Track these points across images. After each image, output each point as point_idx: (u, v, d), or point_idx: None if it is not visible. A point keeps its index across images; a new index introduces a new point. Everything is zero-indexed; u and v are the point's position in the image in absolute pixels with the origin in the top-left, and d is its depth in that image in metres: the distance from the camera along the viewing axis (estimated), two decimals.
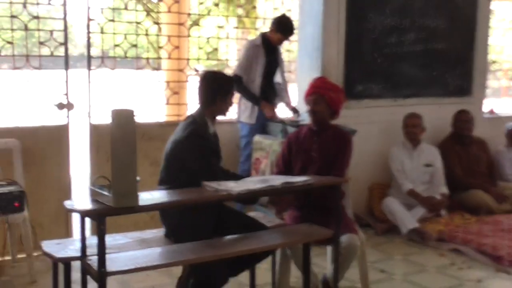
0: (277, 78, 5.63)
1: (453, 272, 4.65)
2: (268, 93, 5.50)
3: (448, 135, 6.42)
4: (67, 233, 5.05)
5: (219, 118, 3.65)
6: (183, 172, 3.35)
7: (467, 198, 6.05)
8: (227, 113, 3.68)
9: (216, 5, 5.80)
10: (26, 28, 4.79)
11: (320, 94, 3.92)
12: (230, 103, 3.61)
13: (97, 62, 5.09)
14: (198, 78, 3.66)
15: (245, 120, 5.44)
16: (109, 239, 3.20)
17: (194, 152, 3.33)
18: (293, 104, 5.69)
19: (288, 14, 5.90)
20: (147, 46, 5.40)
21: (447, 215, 5.80)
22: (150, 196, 2.97)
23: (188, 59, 5.62)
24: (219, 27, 5.74)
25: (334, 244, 3.46)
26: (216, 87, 3.51)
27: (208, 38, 5.78)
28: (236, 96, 5.57)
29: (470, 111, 6.42)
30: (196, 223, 3.31)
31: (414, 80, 6.37)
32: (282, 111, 5.61)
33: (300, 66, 5.93)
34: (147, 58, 5.42)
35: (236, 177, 3.56)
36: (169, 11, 5.54)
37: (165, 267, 3.00)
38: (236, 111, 5.55)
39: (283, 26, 5.36)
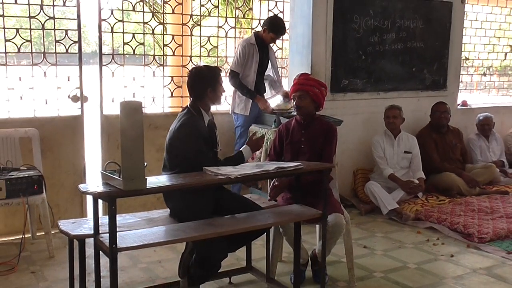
0: (268, 72, 5.61)
1: (428, 248, 4.67)
2: (260, 87, 5.48)
3: (427, 124, 6.42)
4: (82, 213, 5.06)
5: (220, 108, 3.61)
6: (179, 158, 3.34)
7: (441, 180, 6.07)
8: (222, 101, 3.65)
9: (216, 7, 5.77)
10: (43, 28, 4.76)
11: (305, 91, 3.88)
12: (221, 92, 3.55)
13: (108, 58, 5.07)
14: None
15: (240, 112, 5.42)
16: (120, 218, 3.21)
17: (184, 140, 3.31)
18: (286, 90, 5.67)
19: (280, 15, 5.88)
20: (153, 44, 5.37)
21: (424, 197, 5.82)
22: (157, 180, 2.97)
23: (190, 56, 5.59)
24: (219, 27, 5.71)
25: (322, 223, 3.46)
26: (204, 81, 3.45)
27: (208, 37, 5.75)
28: (230, 89, 5.59)
29: (447, 103, 6.42)
30: (197, 204, 3.31)
31: (395, 76, 6.36)
32: (273, 102, 5.60)
33: (292, 62, 5.92)
34: (153, 55, 5.39)
35: (230, 159, 3.56)
36: (173, 12, 5.51)
37: (170, 243, 3.01)
38: (231, 103, 5.54)
39: (275, 27, 5.34)
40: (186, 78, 3.55)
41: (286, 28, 5.51)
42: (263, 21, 5.51)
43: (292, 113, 5.12)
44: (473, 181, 6.09)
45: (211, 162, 3.29)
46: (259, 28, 5.89)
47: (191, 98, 3.52)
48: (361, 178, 6.03)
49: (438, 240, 4.85)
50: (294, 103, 3.95)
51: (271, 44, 5.56)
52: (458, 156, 6.44)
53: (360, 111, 6.11)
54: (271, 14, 5.88)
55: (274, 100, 5.62)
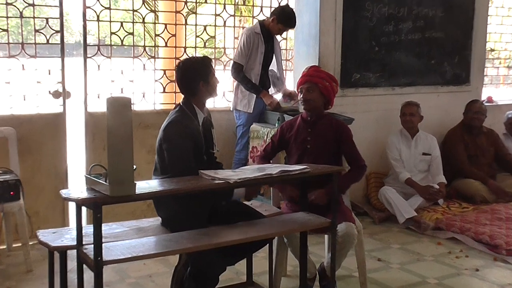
0: (271, 67, 5.61)
1: (450, 261, 4.66)
2: (264, 81, 5.48)
3: (459, 123, 6.42)
4: (63, 222, 5.05)
5: (218, 105, 3.60)
6: (167, 161, 3.33)
7: (464, 187, 6.06)
8: (216, 94, 3.63)
9: None
10: (21, 16, 4.76)
11: (313, 82, 3.89)
12: (215, 83, 3.52)
13: (93, 50, 5.06)
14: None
15: (243, 108, 5.42)
16: (106, 228, 3.20)
17: (171, 141, 3.31)
18: (289, 89, 5.67)
19: (284, 2, 5.87)
20: (143, 34, 5.37)
21: (445, 204, 5.81)
22: (147, 185, 2.96)
23: (185, 47, 5.59)
24: (216, 15, 5.71)
25: (331, 233, 3.45)
26: (194, 75, 3.44)
27: (205, 26, 5.75)
28: (230, 84, 5.58)
29: (483, 103, 6.38)
30: (192, 212, 3.30)
31: (412, 69, 6.36)
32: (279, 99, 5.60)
33: (297, 54, 5.91)
34: (144, 46, 5.40)
35: (218, 167, 3.54)
36: None
37: (162, 256, 3.00)
38: (233, 99, 5.53)
39: (285, 18, 5.32)
40: (175, 73, 3.54)
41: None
42: (273, 9, 5.51)
43: (299, 110, 5.12)
44: (500, 191, 6.03)
45: (195, 171, 3.25)
46: (261, 16, 5.89)
47: (183, 95, 3.52)
48: (374, 183, 6.02)
49: (461, 252, 4.84)
50: (301, 96, 3.95)
51: (277, 36, 5.55)
52: (490, 161, 6.39)
53: (373, 108, 6.11)
54: (273, 1, 5.88)
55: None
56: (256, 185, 3.61)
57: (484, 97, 7.24)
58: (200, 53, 5.75)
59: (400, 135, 5.84)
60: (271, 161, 4.06)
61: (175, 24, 5.49)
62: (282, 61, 5.75)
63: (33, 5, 4.76)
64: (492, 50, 7.55)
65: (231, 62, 5.47)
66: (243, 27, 6.50)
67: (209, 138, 3.56)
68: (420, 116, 5.83)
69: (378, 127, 6.17)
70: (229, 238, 3.05)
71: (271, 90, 5.64)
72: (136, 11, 5.33)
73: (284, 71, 5.81)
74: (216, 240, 3.00)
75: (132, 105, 2.72)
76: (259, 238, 3.24)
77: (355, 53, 5.91)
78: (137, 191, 2.72)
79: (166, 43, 5.55)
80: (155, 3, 5.67)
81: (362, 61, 5.98)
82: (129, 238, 3.10)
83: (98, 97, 5.11)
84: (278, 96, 5.64)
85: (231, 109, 5.55)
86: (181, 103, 3.50)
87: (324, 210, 3.59)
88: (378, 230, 5.43)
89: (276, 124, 5.11)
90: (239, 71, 5.32)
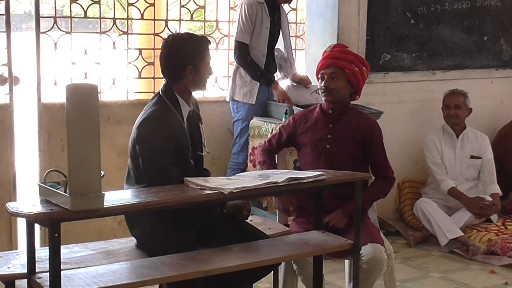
0: (277, 45, 5.62)
1: None
2: (270, 64, 5.50)
3: None
4: (10, 244, 5.06)
5: (208, 94, 3.60)
6: (142, 168, 3.35)
7: None
8: (206, 86, 3.63)
9: None
10: None
11: (339, 67, 3.89)
12: (207, 74, 3.53)
13: (48, 23, 5.07)
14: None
15: (242, 99, 5.41)
16: (65, 251, 3.21)
17: (145, 142, 3.31)
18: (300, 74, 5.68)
19: None
20: (113, 3, 5.38)
21: (500, 221, 5.82)
22: (118, 196, 2.97)
23: (166, 20, 5.60)
24: None
25: (354, 258, 3.46)
26: (183, 55, 3.44)
27: None
28: (225, 68, 5.59)
29: None
30: (175, 231, 3.31)
31: (458, 48, 6.37)
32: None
33: (310, 30, 5.92)
34: (114, 19, 5.41)
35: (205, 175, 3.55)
36: None
37: (137, 286, 3.01)
38: (229, 87, 5.53)
39: None
40: (161, 49, 3.55)
41: None
42: None
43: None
44: None
45: (176, 181, 3.28)
46: None
47: (165, 80, 3.53)
48: (408, 194, 6.04)
49: None
50: (322, 84, 3.95)
51: (283, 5, 5.56)
52: None
53: (407, 98, 6.12)
54: None
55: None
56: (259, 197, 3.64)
57: None
58: (185, 28, 5.76)
59: (442, 134, 5.85)
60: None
61: None
62: (291, 38, 5.75)
63: None
64: None
65: (233, 42, 5.43)
66: None
67: (196, 137, 3.57)
68: (468, 108, 5.84)
69: (413, 123, 6.18)
70: (222, 264, 3.07)
71: (277, 75, 5.65)
72: None
73: (293, 51, 5.80)
74: (206, 267, 3.01)
75: (98, 94, 2.74)
76: (261, 265, 3.25)
77: (385, 27, 5.93)
78: (106, 204, 2.74)
79: (142, 15, 5.56)
80: None
81: (394, 37, 6.00)
82: (96, 264, 3.12)
83: (55, 83, 5.12)
84: (284, 84, 5.64)
85: (227, 99, 5.54)
86: (160, 92, 3.50)
87: (344, 228, 3.61)
88: (414, 254, 5.45)
89: (283, 119, 5.12)
90: (244, 53, 5.31)
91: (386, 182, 3.98)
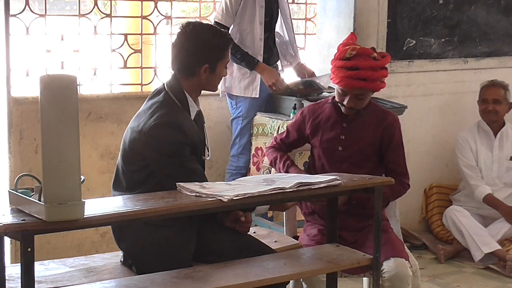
0: (276, 29, 5.59)
1: None
2: (269, 51, 5.47)
3: None
4: None
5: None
6: (147, 174, 3.37)
7: None
8: (216, 89, 3.69)
9: None
10: None
11: (369, 89, 3.87)
12: (220, 75, 3.56)
13: (19, 4, 5.09)
14: (179, 32, 3.55)
15: (242, 93, 5.38)
16: (40, 268, 3.22)
17: (161, 151, 3.33)
18: (306, 65, 5.67)
19: None
20: None
21: None
22: (101, 205, 2.98)
23: (156, 1, 5.61)
24: None
25: (374, 275, 3.47)
26: (203, 49, 3.44)
27: None
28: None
29: None
30: (168, 245, 3.33)
31: (494, 32, 6.37)
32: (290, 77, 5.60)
33: (323, 11, 5.93)
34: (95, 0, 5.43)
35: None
36: None
37: None
38: (225, 79, 5.48)
39: None
40: (175, 38, 3.52)
41: None
42: None
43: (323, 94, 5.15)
44: None
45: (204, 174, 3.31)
46: None
47: (174, 72, 3.53)
48: (437, 202, 6.05)
49: None
50: (345, 103, 3.88)
51: None
52: None
53: (435, 90, 6.13)
54: None
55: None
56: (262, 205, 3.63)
57: None
58: (179, 10, 5.76)
59: (477, 131, 5.85)
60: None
61: None
62: (291, 21, 5.68)
63: None
64: None
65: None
66: None
67: (202, 140, 3.58)
68: (509, 103, 5.83)
69: (442, 119, 6.18)
70: (222, 282, 3.08)
71: (281, 65, 5.65)
72: None
73: (295, 36, 5.73)
74: (204, 285, 3.02)
75: (78, 87, 2.75)
76: (266, 283, 3.26)
77: (409, 8, 5.93)
78: (86, 213, 2.74)
79: None
80: None
81: (419, 20, 6.00)
82: (75, 283, 3.13)
83: (27, 74, 5.13)
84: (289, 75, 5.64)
85: (222, 93, 5.49)
86: (165, 87, 3.49)
87: (362, 240, 3.61)
88: (444, 271, 5.46)
89: (291, 115, 5.11)
90: None
91: (400, 185, 3.91)
